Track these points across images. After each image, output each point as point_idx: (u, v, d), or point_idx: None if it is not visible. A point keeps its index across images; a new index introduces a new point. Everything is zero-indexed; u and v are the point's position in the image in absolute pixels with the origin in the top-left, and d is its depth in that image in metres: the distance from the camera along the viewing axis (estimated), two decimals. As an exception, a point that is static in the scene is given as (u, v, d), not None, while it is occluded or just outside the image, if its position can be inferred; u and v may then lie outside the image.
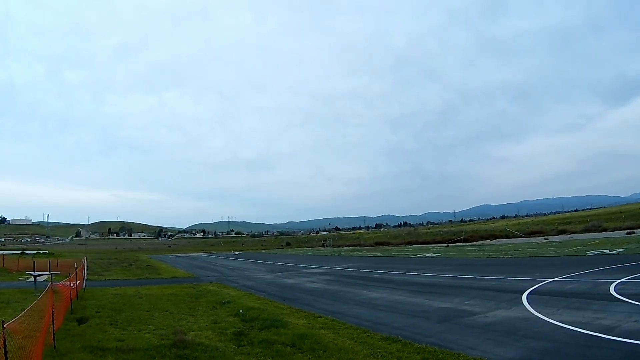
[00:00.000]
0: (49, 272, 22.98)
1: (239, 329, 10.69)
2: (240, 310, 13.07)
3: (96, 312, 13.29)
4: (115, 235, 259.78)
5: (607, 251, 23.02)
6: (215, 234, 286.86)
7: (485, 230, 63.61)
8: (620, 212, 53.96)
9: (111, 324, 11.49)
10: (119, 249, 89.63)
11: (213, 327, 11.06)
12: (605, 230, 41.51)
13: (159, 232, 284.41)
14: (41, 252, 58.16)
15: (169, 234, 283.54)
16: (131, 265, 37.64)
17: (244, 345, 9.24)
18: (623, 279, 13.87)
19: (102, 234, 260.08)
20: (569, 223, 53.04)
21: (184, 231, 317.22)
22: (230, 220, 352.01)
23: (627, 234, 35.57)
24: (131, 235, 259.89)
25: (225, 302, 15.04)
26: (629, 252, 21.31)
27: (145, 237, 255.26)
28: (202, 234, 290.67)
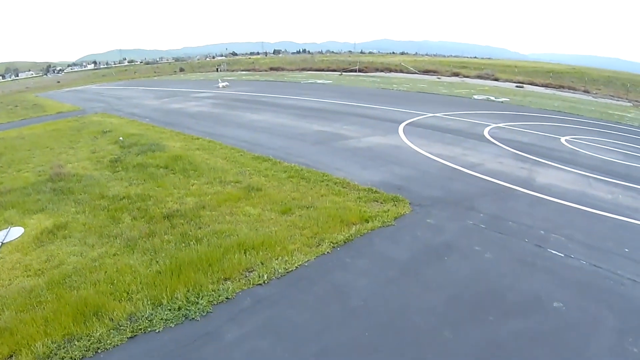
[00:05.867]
0: None
1: (116, 156, 11.08)
2: (120, 138, 13.30)
3: (-27, 160, 12.96)
4: (1, 78, 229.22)
5: (493, 98, 23.32)
6: (107, 64, 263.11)
7: (382, 63, 63.18)
8: (516, 67, 55.94)
9: (-11, 170, 11.46)
10: (5, 92, 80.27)
11: (91, 157, 11.36)
12: (497, 80, 41.98)
13: (47, 68, 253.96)
14: None
15: (58, 69, 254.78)
16: (16, 106, 34.56)
17: (118, 171, 9.67)
18: (499, 124, 14.45)
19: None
20: (464, 67, 53.75)
21: (74, 64, 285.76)
22: (122, 49, 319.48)
23: (516, 86, 36.51)
24: (18, 76, 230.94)
25: (106, 132, 14.99)
26: (512, 102, 21.78)
27: (34, 75, 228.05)
28: (93, 65, 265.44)
